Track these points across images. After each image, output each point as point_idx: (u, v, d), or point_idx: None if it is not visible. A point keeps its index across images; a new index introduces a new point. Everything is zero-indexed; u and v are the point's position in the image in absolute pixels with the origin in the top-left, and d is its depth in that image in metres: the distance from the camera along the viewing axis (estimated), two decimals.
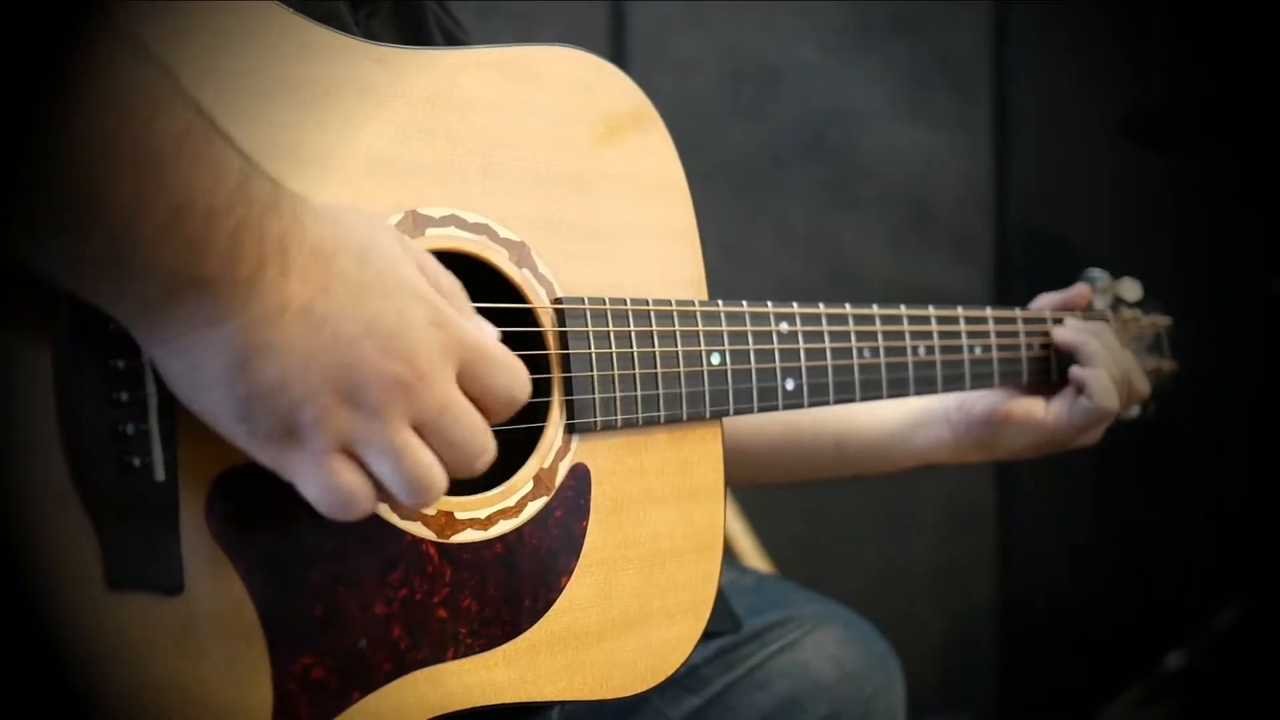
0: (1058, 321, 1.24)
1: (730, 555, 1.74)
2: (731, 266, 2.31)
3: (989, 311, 1.19)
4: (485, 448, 0.72)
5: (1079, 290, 1.28)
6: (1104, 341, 1.21)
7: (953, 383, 1.15)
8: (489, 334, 0.73)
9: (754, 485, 1.57)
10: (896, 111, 2.54)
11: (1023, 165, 2.65)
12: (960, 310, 1.16)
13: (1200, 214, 2.62)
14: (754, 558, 1.86)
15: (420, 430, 0.69)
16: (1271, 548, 2.45)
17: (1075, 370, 1.19)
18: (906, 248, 2.57)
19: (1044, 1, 2.62)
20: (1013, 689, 2.72)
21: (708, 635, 0.95)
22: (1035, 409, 1.20)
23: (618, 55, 2.27)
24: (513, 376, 0.73)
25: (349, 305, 0.66)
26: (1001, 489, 2.68)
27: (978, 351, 1.17)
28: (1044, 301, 1.28)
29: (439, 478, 0.70)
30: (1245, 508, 2.58)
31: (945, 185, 2.60)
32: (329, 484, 0.67)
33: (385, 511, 0.77)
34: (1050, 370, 1.23)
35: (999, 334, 1.19)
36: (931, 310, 1.13)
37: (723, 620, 1.12)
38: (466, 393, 0.71)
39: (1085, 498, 2.74)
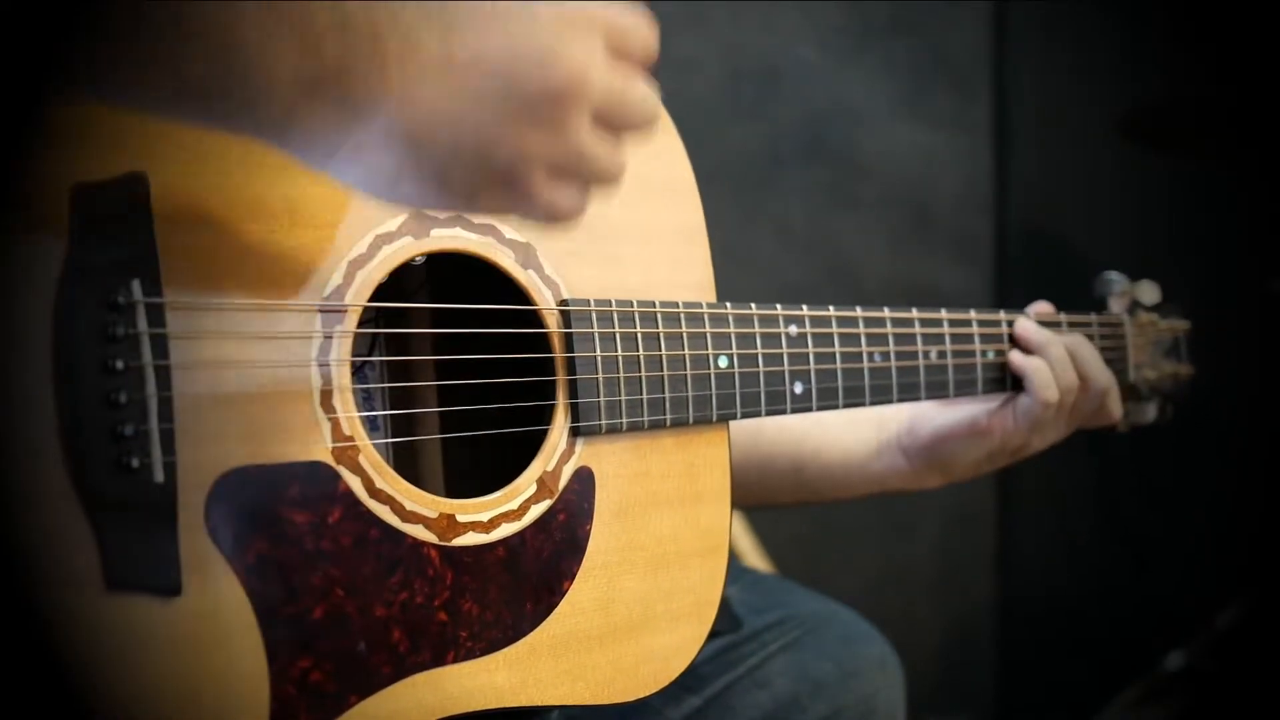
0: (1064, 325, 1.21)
1: (730, 555, 1.74)
2: (731, 267, 2.29)
3: (1002, 314, 1.16)
4: (657, 110, 0.71)
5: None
6: (1074, 349, 1.15)
7: (965, 387, 1.13)
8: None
9: None
10: (896, 111, 2.54)
11: (1023, 165, 2.65)
12: (973, 313, 1.14)
13: (1200, 214, 2.62)
14: (754, 557, 1.86)
15: (597, 118, 0.68)
16: (1271, 548, 2.44)
17: (1015, 356, 1.14)
18: (906, 248, 2.56)
19: (1044, 1, 2.62)
20: (1013, 689, 2.71)
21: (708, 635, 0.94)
22: (978, 419, 1.14)
23: None
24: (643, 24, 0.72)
25: (485, 35, 0.64)
26: (1001, 489, 2.68)
27: (990, 356, 1.15)
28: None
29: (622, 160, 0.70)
30: (1245, 508, 2.57)
31: (945, 185, 2.60)
32: (555, 209, 0.67)
33: (387, 514, 0.76)
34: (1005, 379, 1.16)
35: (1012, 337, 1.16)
36: (944, 313, 1.12)
37: (722, 620, 1.11)
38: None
39: (1085, 498, 2.74)
